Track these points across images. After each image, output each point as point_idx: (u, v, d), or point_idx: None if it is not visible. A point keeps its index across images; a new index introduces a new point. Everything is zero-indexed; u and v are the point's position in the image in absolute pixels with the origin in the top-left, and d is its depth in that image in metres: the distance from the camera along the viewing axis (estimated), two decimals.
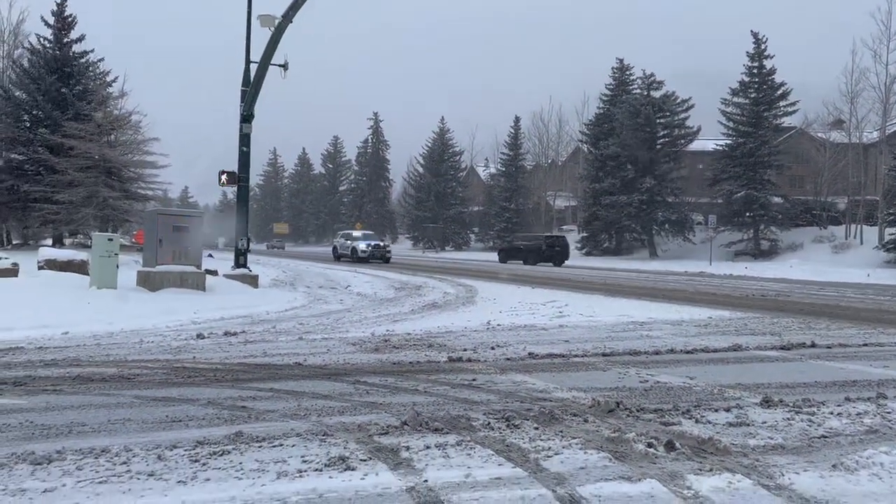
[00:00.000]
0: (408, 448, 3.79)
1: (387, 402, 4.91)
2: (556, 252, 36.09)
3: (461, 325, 9.62)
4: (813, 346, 7.98)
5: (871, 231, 37.70)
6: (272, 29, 15.70)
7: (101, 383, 5.50)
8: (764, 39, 42.72)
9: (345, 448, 3.77)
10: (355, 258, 32.97)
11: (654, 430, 4.19)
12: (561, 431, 4.14)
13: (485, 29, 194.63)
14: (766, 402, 4.95)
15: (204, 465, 3.50)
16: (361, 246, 33.62)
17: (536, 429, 4.20)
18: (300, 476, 3.35)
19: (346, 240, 35.94)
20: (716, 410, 4.75)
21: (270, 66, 16.04)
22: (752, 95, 42.81)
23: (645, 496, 3.14)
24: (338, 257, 35.50)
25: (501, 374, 6.03)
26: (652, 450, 3.77)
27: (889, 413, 4.76)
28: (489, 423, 4.32)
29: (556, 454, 3.70)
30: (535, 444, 3.89)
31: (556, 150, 62.21)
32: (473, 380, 5.76)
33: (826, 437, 4.16)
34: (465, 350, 7.34)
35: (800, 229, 42.67)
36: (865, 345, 8.21)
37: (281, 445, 3.82)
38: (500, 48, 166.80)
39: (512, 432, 4.13)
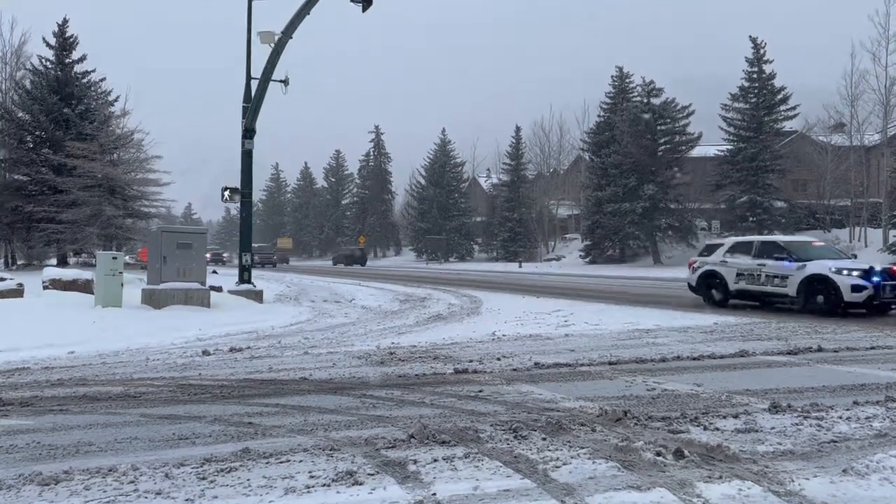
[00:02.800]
0: (415, 461, 3.77)
1: (393, 416, 4.90)
2: (359, 258, 59.40)
3: (466, 337, 9.60)
4: (820, 350, 7.95)
5: (874, 233, 37.60)
6: (272, 45, 15.81)
7: (107, 402, 5.50)
8: (762, 44, 42.87)
9: (352, 462, 3.76)
10: (815, 302, 12.42)
11: (663, 438, 4.17)
12: (569, 441, 4.13)
13: (484, 39, 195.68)
14: (775, 408, 4.92)
15: (212, 482, 3.49)
16: (850, 279, 12.00)
17: (544, 439, 4.18)
18: (308, 491, 3.34)
19: (759, 258, 13.75)
20: (724, 417, 4.73)
21: (271, 82, 16.15)
22: (753, 100, 42.89)
23: None
24: (718, 298, 14.40)
25: (508, 385, 6.02)
26: (661, 458, 3.75)
27: None
28: (496, 434, 4.31)
29: (564, 465, 3.69)
30: (544, 454, 3.87)
31: (557, 159, 62.15)
32: (480, 391, 5.75)
33: (835, 441, 4.14)
34: (470, 361, 7.33)
35: (803, 233, 42.59)
36: (873, 348, 8.17)
37: (288, 461, 3.81)
38: (499, 58, 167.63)
39: (520, 443, 4.12)
